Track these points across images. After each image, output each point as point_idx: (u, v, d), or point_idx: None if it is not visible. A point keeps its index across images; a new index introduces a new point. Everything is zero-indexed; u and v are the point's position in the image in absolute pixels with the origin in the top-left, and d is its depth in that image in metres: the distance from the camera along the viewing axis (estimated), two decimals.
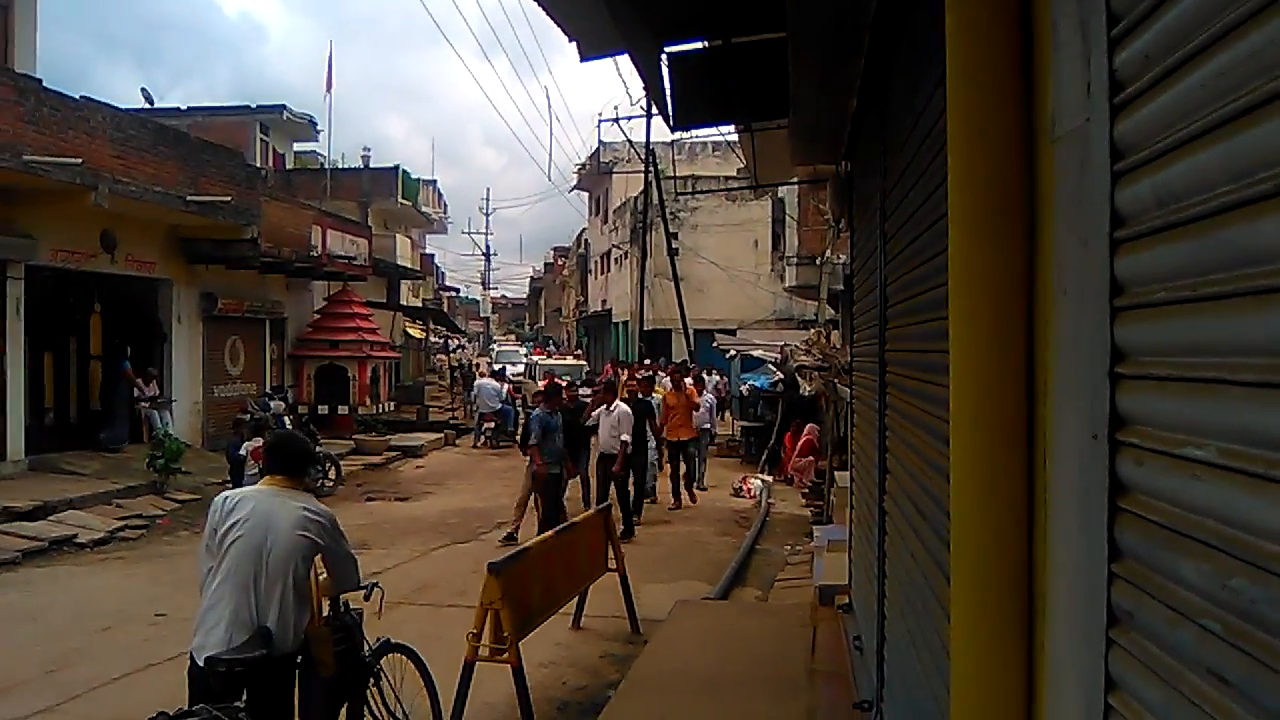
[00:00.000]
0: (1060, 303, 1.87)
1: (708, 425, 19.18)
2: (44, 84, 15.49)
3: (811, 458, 17.53)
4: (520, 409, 24.24)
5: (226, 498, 4.85)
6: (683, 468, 17.04)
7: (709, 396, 19.79)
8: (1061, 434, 1.87)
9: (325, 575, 5.04)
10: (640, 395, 16.30)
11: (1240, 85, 1.20)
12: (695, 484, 17.67)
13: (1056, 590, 1.89)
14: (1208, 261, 1.31)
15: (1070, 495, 1.82)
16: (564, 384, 17.86)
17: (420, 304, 44.57)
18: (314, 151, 41.36)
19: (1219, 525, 1.27)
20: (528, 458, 13.59)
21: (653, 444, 16.48)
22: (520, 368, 38.97)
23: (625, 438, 14.09)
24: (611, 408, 14.59)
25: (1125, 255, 1.58)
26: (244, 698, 4.46)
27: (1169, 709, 1.41)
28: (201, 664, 4.49)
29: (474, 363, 46.02)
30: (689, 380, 19.49)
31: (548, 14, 5.23)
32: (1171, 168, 1.41)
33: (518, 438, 19.01)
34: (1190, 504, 1.36)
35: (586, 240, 54.43)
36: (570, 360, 39.02)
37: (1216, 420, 1.30)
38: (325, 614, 5.10)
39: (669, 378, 20.31)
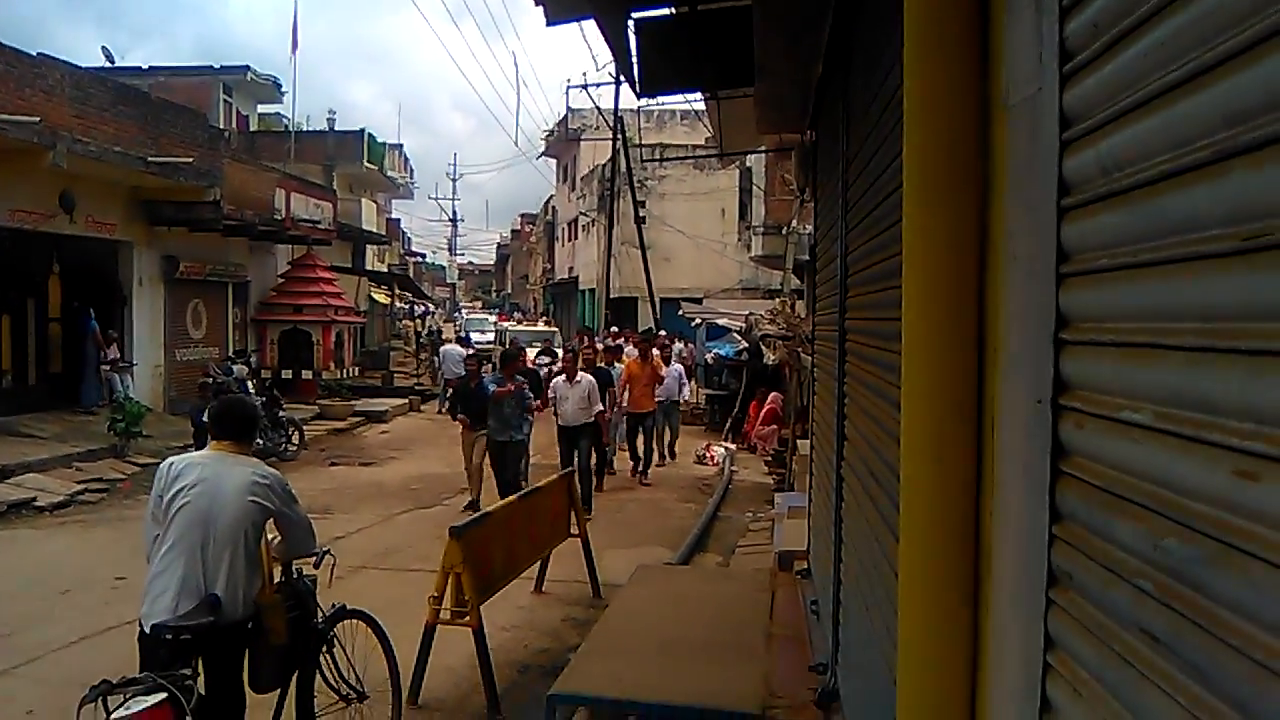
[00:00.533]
0: (1010, 270, 1.90)
1: (677, 397, 18.15)
2: (0, 40, 15.21)
3: (775, 426, 17.63)
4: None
5: (172, 463, 4.79)
6: (640, 441, 16.20)
7: (676, 367, 18.55)
8: (1008, 399, 1.90)
9: (277, 539, 5.00)
10: (599, 364, 15.85)
11: (1179, 55, 1.22)
12: (658, 457, 17.02)
13: (1001, 552, 1.93)
14: (1147, 229, 1.34)
15: (1016, 459, 1.85)
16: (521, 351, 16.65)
17: (386, 269, 44.23)
18: (278, 114, 40.84)
19: (1153, 487, 1.30)
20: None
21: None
22: (489, 335, 37.93)
23: (599, 407, 13.62)
24: (576, 379, 13.75)
25: (1071, 223, 1.61)
26: (196, 665, 4.42)
27: (1103, 666, 1.44)
28: (149, 631, 4.45)
29: (440, 329, 45.53)
30: (656, 350, 18.41)
31: None
32: (1115, 136, 1.43)
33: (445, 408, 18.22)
34: (1127, 467, 1.39)
35: (554, 207, 54.22)
36: (541, 326, 38.02)
37: (1153, 384, 1.33)
38: (277, 580, 5.08)
39: (635, 346, 19.39)
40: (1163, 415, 1.28)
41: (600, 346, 19.96)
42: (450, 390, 17.42)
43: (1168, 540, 1.26)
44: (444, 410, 25.48)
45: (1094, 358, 1.52)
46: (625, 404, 16.11)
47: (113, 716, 3.91)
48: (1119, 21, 1.40)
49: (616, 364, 16.96)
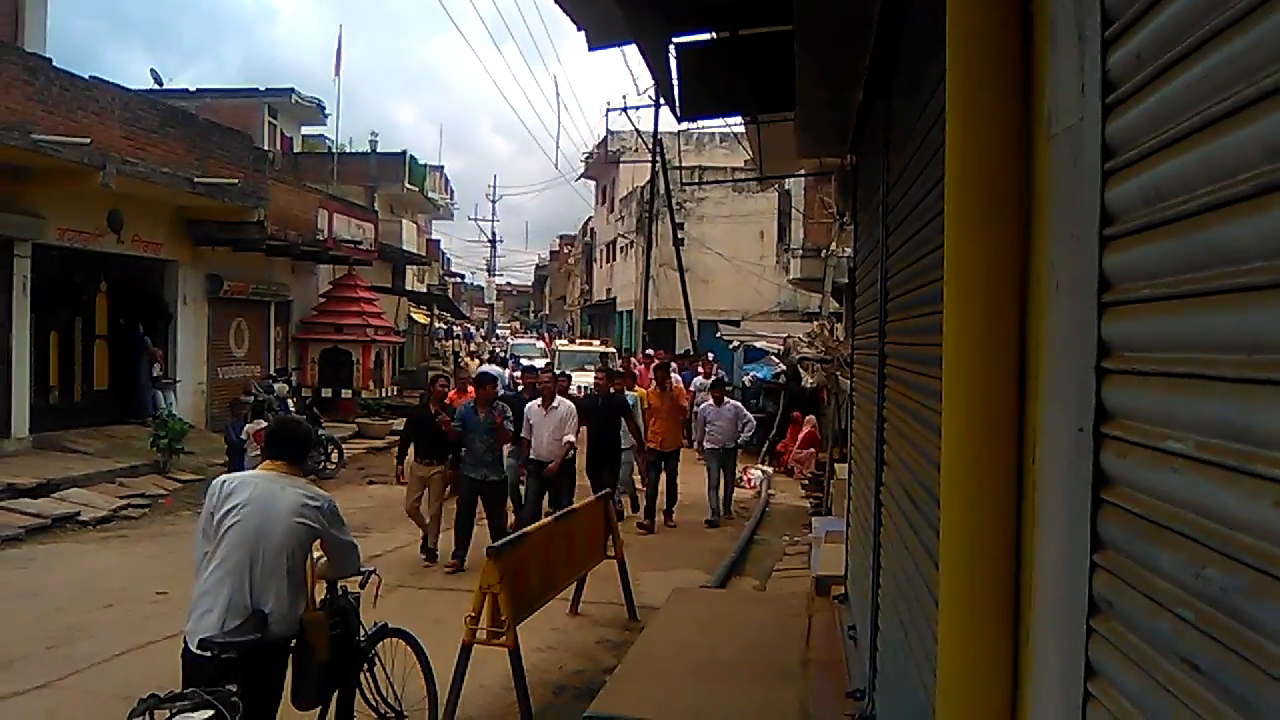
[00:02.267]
0: (1052, 298, 1.90)
1: (734, 442, 14.72)
2: (54, 63, 15.50)
3: (812, 449, 17.56)
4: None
5: (225, 481, 4.85)
6: (663, 486, 14.00)
7: (732, 404, 15.13)
8: (1050, 427, 1.91)
9: (322, 559, 5.05)
10: (613, 390, 13.62)
11: (1223, 89, 1.23)
12: (675, 505, 14.33)
13: (1042, 580, 1.93)
14: (1189, 260, 1.34)
15: (1056, 487, 1.85)
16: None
17: (425, 289, 44.53)
18: (322, 135, 41.29)
19: (1195, 517, 1.31)
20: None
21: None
22: (540, 361, 34.60)
23: (570, 438, 11.64)
24: (554, 404, 11.80)
25: (1114, 252, 1.61)
26: (237, 684, 4.46)
27: (1144, 695, 1.44)
28: (194, 647, 4.50)
29: (465, 359, 43.76)
30: (676, 377, 17.00)
31: (556, 3, 5.25)
32: (1158, 167, 1.44)
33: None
34: (1169, 496, 1.39)
35: (592, 229, 54.40)
36: (597, 346, 33.41)
37: (1195, 414, 1.33)
38: (321, 598, 5.13)
39: (649, 370, 17.72)
40: (1205, 445, 1.29)
41: (638, 367, 19.02)
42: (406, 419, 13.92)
43: (1209, 570, 1.26)
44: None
45: (1136, 387, 1.52)
46: (648, 440, 14.05)
47: None
48: (1162, 54, 1.41)
49: (629, 391, 14.67)
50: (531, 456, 11.79)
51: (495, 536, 10.42)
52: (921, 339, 3.55)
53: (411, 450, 11.65)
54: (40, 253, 16.39)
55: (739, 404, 15.78)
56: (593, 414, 12.96)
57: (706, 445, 14.53)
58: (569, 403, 12.02)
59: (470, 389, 12.66)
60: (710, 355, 24.85)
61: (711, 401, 15.01)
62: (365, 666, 5.44)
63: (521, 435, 11.80)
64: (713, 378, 18.71)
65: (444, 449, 11.29)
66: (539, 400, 11.90)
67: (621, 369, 18.56)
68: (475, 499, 11.03)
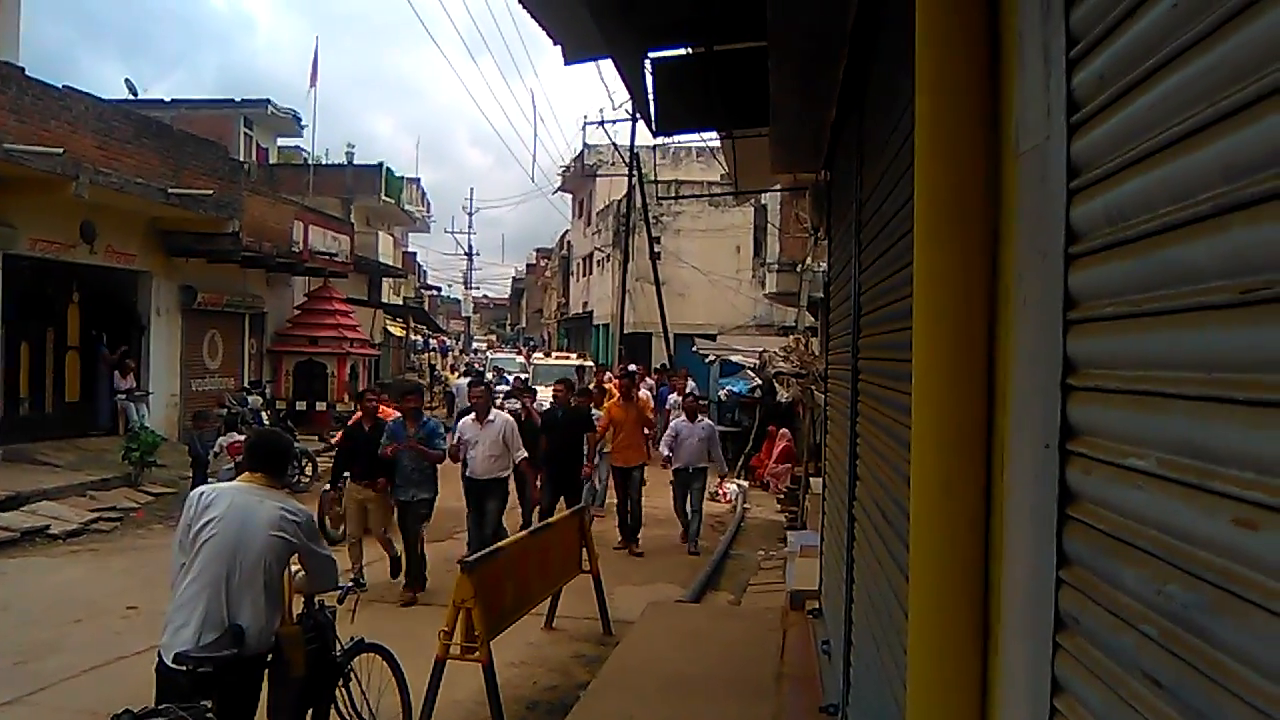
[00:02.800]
0: (1019, 314, 1.92)
1: (705, 462, 13.85)
2: (26, 72, 15.42)
3: (788, 464, 17.59)
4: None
5: (203, 493, 4.83)
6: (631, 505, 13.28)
7: (706, 423, 14.27)
8: (1017, 443, 1.92)
9: (300, 573, 5.03)
10: (574, 404, 12.99)
11: (1184, 109, 1.25)
12: (640, 530, 13.36)
13: (1010, 595, 1.94)
14: (1152, 278, 1.36)
15: (1023, 503, 1.86)
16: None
17: (401, 302, 44.46)
18: (298, 147, 41.26)
19: (1157, 533, 1.32)
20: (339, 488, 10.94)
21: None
22: (525, 375, 29.89)
23: (521, 453, 10.98)
24: (490, 418, 10.98)
25: (1079, 270, 1.63)
26: (212, 699, 4.43)
27: (1109, 711, 1.45)
28: (170, 661, 4.47)
29: (443, 372, 43.26)
30: (643, 392, 16.89)
31: (533, 17, 5.26)
32: (1121, 187, 1.45)
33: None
34: (1132, 513, 1.40)
35: (569, 242, 54.41)
36: (574, 360, 32.41)
37: (1157, 432, 1.34)
38: (298, 613, 5.10)
39: (612, 385, 17.22)
40: (1166, 463, 1.30)
41: (611, 383, 18.26)
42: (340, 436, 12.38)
43: (1171, 586, 1.27)
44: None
45: (1100, 404, 1.54)
46: (611, 458, 13.81)
47: None
48: (1125, 75, 1.43)
49: (595, 408, 14.22)
50: (467, 475, 11.00)
51: (393, 565, 10.44)
52: (893, 354, 3.57)
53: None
54: (11, 263, 16.29)
55: (714, 425, 14.91)
56: (553, 429, 12.52)
57: (675, 465, 13.55)
58: (506, 416, 11.38)
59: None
60: (683, 370, 24.77)
61: (684, 416, 14.20)
62: (341, 681, 5.42)
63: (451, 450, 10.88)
64: (687, 392, 18.42)
65: (381, 468, 10.41)
66: (473, 415, 11.07)
67: (595, 386, 18.41)
68: (400, 519, 10.50)
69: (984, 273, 2.07)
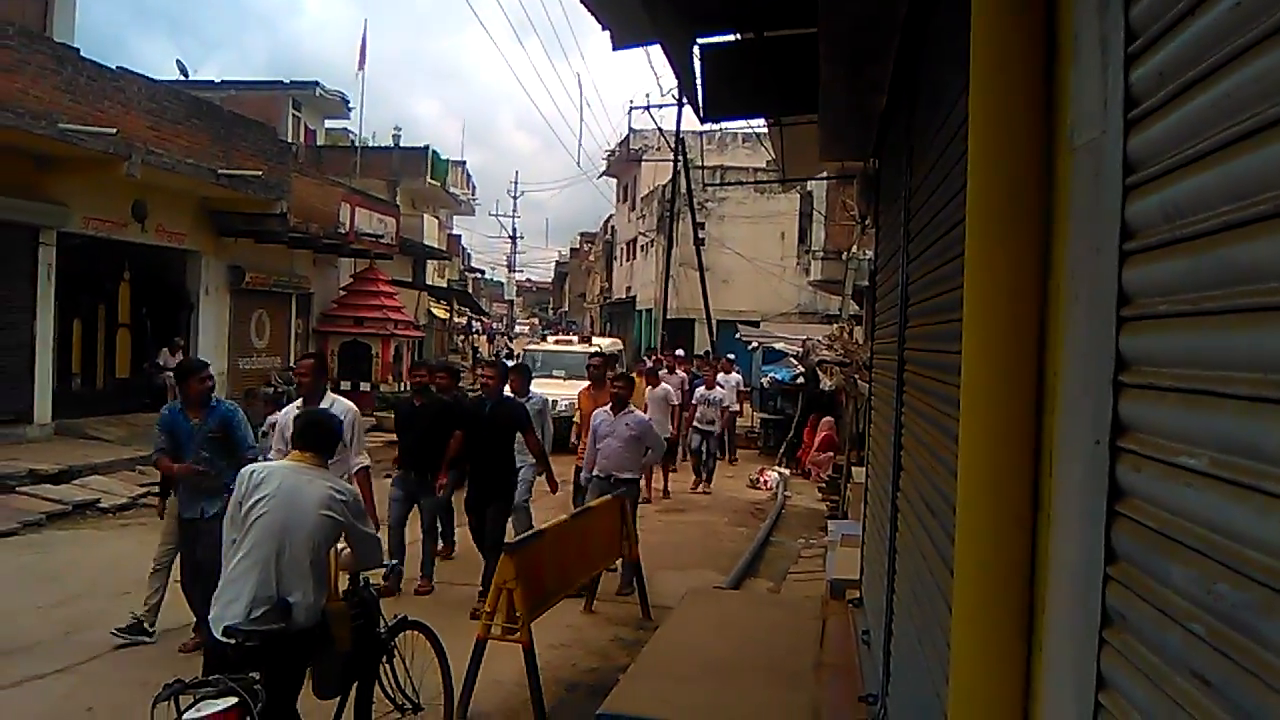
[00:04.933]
0: (1071, 310, 1.91)
1: (632, 471, 10.08)
2: (81, 53, 15.64)
3: (830, 452, 17.54)
4: None
5: (254, 471, 4.92)
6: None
7: (618, 417, 9.98)
8: (1066, 438, 1.91)
9: (346, 551, 5.10)
10: (513, 394, 10.12)
11: (1244, 108, 1.24)
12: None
13: (1055, 590, 1.94)
14: (1208, 277, 1.35)
15: (1071, 498, 1.86)
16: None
17: (445, 284, 44.68)
18: (345, 129, 41.58)
19: (1208, 532, 1.32)
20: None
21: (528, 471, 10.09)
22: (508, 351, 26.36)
23: (359, 460, 8.21)
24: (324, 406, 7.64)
25: (1133, 267, 1.62)
26: (260, 672, 4.50)
27: (1154, 708, 1.45)
28: (219, 635, 4.56)
29: (510, 350, 42.10)
30: (662, 387, 16.08)
31: (582, 2, 5.27)
32: (1179, 184, 1.45)
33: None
34: (1182, 511, 1.40)
35: (613, 227, 54.41)
36: (579, 346, 24.95)
37: (1210, 431, 1.34)
38: (344, 589, 5.18)
39: (590, 373, 12.41)
40: (1219, 462, 1.30)
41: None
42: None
43: (1220, 585, 1.27)
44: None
45: (1153, 402, 1.53)
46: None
47: (185, 716, 4.02)
48: (1185, 72, 1.42)
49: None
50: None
51: (193, 604, 7.43)
52: (941, 346, 3.55)
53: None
54: (65, 241, 16.56)
55: (646, 418, 10.69)
56: (474, 427, 9.44)
57: (595, 474, 10.01)
58: (346, 403, 8.14)
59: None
60: (731, 356, 24.52)
61: (606, 409, 10.19)
62: (385, 658, 5.49)
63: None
64: (718, 383, 18.46)
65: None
66: (300, 400, 8.31)
67: (640, 371, 18.05)
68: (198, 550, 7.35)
69: (1036, 266, 2.06)
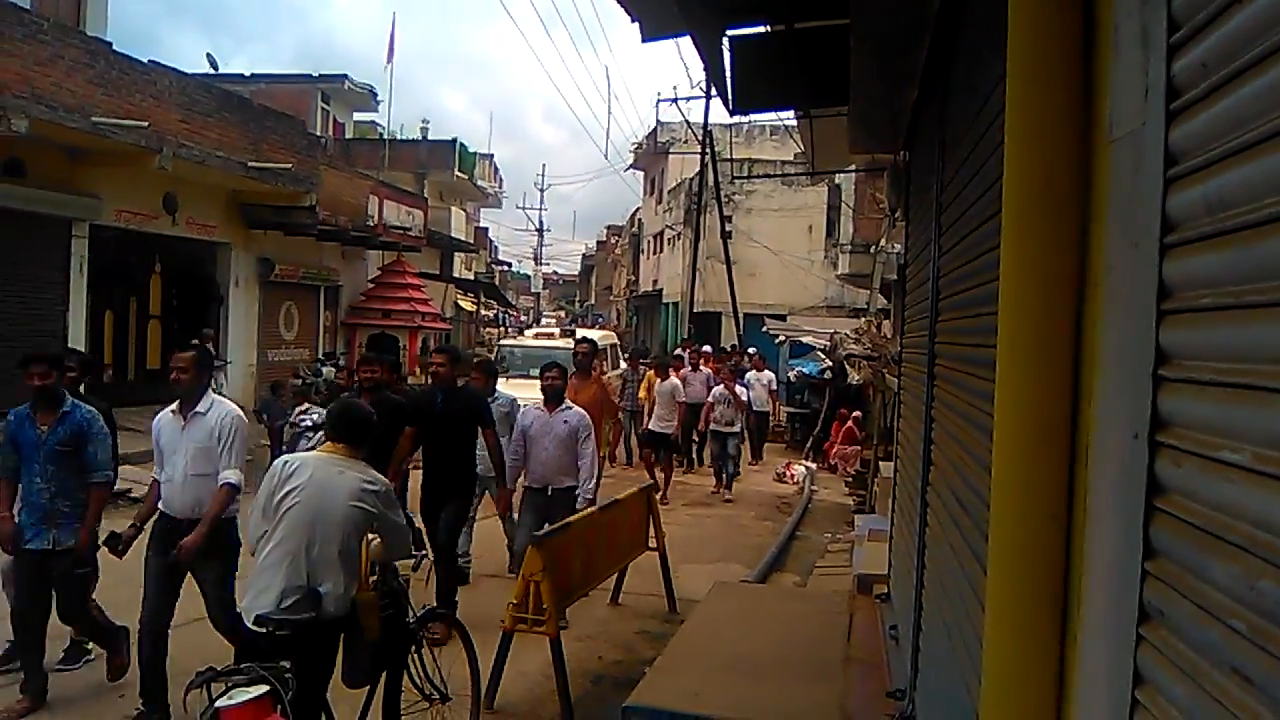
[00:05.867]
0: (1109, 303, 1.89)
1: (565, 480, 8.64)
2: (114, 47, 15.78)
3: (857, 446, 17.49)
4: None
5: (286, 462, 4.95)
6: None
7: (554, 414, 8.68)
8: (1103, 432, 1.90)
9: (376, 541, 5.13)
10: (470, 384, 9.37)
11: None
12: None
13: (1091, 585, 1.92)
14: (1252, 270, 1.34)
15: (1109, 493, 1.84)
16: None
17: (472, 277, 44.82)
18: (373, 122, 41.67)
19: (1250, 528, 1.30)
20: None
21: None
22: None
23: (228, 477, 6.16)
24: (198, 408, 6.30)
25: (1174, 260, 1.60)
26: (290, 660, 4.54)
27: (1193, 704, 1.44)
28: (250, 623, 4.61)
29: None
30: (679, 379, 15.76)
31: None
32: (1222, 176, 1.43)
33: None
34: (1224, 506, 1.39)
35: (640, 219, 54.36)
36: (560, 341, 21.13)
37: (1253, 425, 1.32)
38: (373, 579, 5.21)
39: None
40: (1262, 457, 1.28)
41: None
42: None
43: (1263, 582, 1.25)
44: None
45: (1194, 396, 1.52)
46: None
47: (216, 704, 4.06)
48: (1228, 63, 1.40)
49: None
50: (162, 508, 6.43)
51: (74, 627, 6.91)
52: (974, 340, 3.53)
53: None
54: (97, 233, 16.71)
55: (583, 413, 8.82)
56: (427, 422, 8.39)
57: (528, 484, 8.75)
58: (227, 407, 6.41)
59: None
60: (752, 350, 24.17)
61: (538, 405, 8.84)
62: (413, 648, 5.52)
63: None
64: (745, 381, 18.02)
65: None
66: (176, 404, 6.42)
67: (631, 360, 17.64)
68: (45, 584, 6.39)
69: (1073, 259, 2.04)
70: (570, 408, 8.80)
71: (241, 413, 6.51)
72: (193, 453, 6.18)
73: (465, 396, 8.74)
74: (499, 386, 9.90)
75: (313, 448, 6.21)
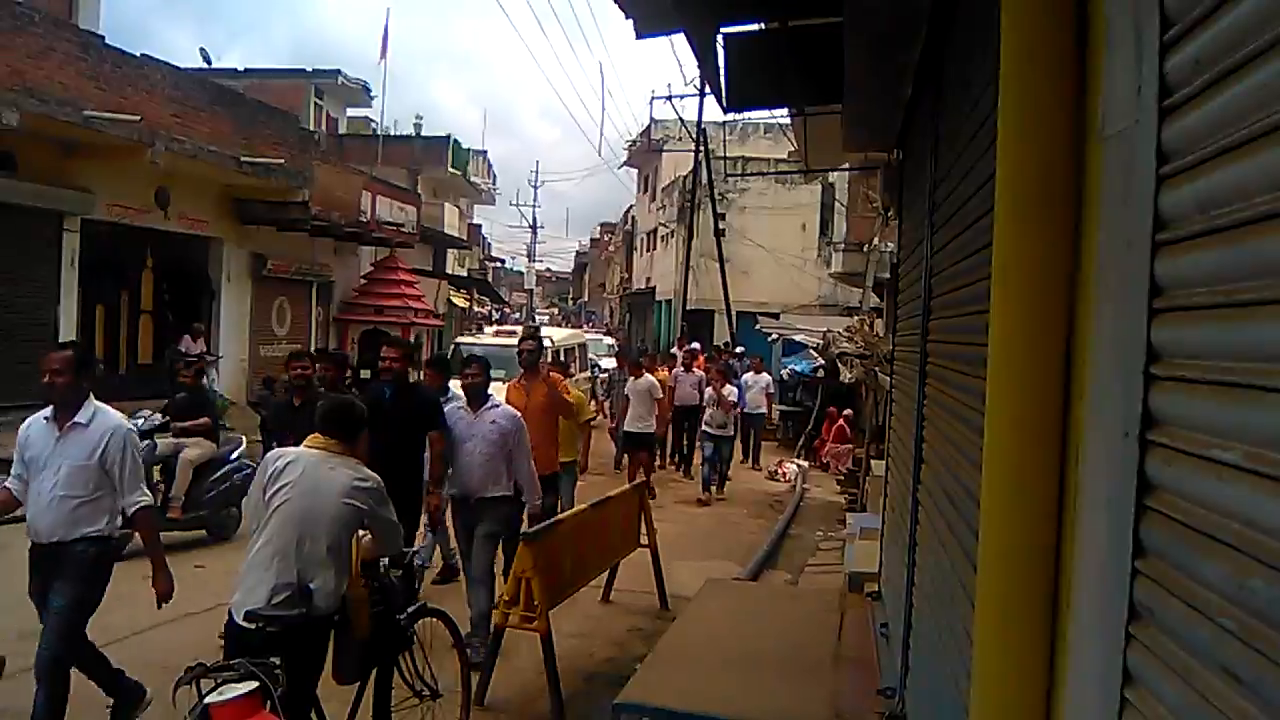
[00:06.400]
0: (1101, 301, 1.89)
1: (497, 488, 7.60)
2: (106, 40, 15.72)
3: (849, 445, 17.50)
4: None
5: (278, 457, 4.92)
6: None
7: (479, 417, 7.71)
8: (1094, 431, 1.90)
9: (367, 537, 5.11)
10: (423, 380, 9.29)
11: None
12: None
13: (1081, 584, 1.92)
14: (1243, 269, 1.33)
15: (1099, 491, 1.84)
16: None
17: (465, 273, 44.75)
18: (367, 117, 41.55)
19: (1240, 527, 1.30)
20: None
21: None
22: (610, 361, 25.46)
23: (136, 499, 5.70)
24: (78, 418, 5.45)
25: (1166, 257, 1.60)
26: (280, 657, 4.52)
27: (1183, 704, 1.44)
28: (240, 620, 4.58)
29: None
30: (651, 378, 14.97)
31: None
32: (1214, 174, 1.43)
33: None
34: (1215, 505, 1.39)
35: (633, 217, 54.30)
36: (511, 340, 18.67)
37: (1244, 424, 1.32)
38: (363, 576, 5.19)
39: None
40: (1253, 456, 1.28)
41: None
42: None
43: (1253, 581, 1.25)
44: None
45: (1185, 394, 1.52)
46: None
47: (206, 700, 4.04)
48: (1221, 60, 1.40)
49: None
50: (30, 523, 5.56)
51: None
52: (965, 338, 3.53)
53: None
54: (88, 228, 16.64)
55: (517, 415, 7.87)
56: (371, 422, 6.41)
57: (450, 490, 7.86)
58: (113, 418, 5.59)
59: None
60: (740, 349, 23.97)
61: (463, 406, 7.94)
62: (404, 645, 5.51)
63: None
64: (734, 381, 17.12)
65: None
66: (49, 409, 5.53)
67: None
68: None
69: (1065, 257, 2.04)
70: (498, 406, 7.93)
71: (125, 420, 5.80)
72: (65, 472, 5.39)
73: (417, 393, 8.23)
74: (452, 385, 8.86)
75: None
